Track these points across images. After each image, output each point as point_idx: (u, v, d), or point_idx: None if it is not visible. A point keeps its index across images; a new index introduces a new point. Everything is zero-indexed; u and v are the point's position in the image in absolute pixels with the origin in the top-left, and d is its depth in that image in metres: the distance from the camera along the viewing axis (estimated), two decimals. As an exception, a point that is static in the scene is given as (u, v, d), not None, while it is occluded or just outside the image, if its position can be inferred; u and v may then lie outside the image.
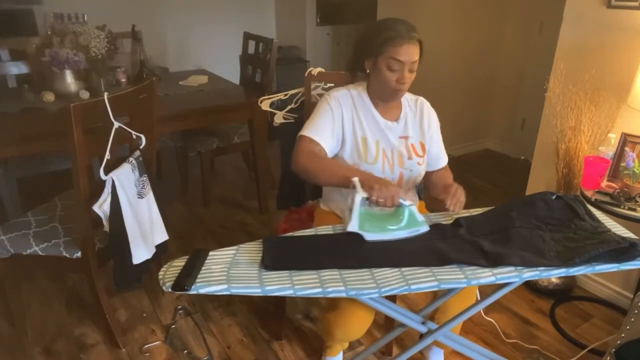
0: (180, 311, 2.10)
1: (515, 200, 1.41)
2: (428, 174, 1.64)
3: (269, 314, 2.09)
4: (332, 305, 1.46)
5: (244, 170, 3.56)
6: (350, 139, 1.53)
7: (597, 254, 1.15)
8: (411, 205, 1.27)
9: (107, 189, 1.59)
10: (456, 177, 1.59)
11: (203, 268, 1.14)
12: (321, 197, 1.73)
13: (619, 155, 1.89)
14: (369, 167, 1.53)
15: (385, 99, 1.53)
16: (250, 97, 2.69)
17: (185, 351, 1.88)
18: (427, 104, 1.64)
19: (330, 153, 1.52)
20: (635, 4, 1.87)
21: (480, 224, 1.33)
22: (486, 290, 1.38)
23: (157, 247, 1.83)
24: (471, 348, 1.49)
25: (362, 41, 1.49)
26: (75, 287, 2.25)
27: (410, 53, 1.40)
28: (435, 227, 1.32)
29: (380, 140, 1.54)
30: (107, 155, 1.60)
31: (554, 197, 1.39)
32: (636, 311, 1.28)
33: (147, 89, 1.80)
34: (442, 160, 1.65)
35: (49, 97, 2.46)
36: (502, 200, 1.45)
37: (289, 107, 2.00)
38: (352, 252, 1.21)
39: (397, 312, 1.35)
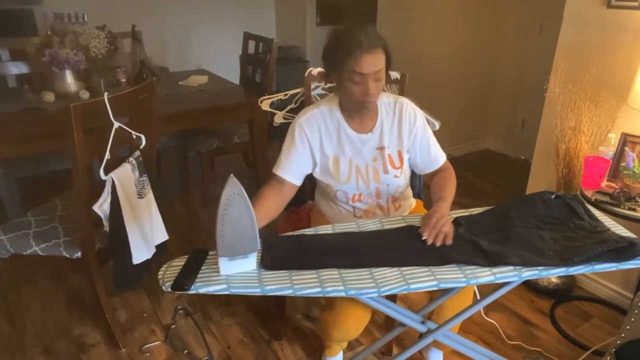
0: (180, 311, 2.10)
1: (514, 200, 1.41)
2: (427, 176, 1.59)
3: (269, 314, 2.09)
4: (329, 305, 1.46)
5: (244, 170, 3.56)
6: (320, 160, 1.51)
7: (596, 254, 1.15)
8: None
9: (107, 189, 1.59)
10: (457, 177, 1.57)
11: (202, 268, 1.14)
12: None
13: (619, 155, 1.89)
14: (343, 187, 1.51)
15: (356, 110, 1.46)
16: (250, 97, 2.69)
17: (185, 351, 1.88)
18: (408, 105, 1.52)
19: (300, 182, 1.51)
20: (635, 4, 1.86)
21: (479, 224, 1.33)
22: (486, 290, 1.38)
23: (157, 247, 1.83)
24: (471, 348, 1.49)
25: (325, 55, 1.40)
26: (75, 287, 2.25)
27: (371, 63, 1.31)
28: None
29: (353, 157, 1.50)
30: (107, 155, 1.60)
31: (553, 196, 1.39)
32: (636, 311, 1.28)
33: (147, 89, 1.80)
34: (438, 159, 1.55)
35: (49, 97, 2.46)
36: (502, 200, 1.44)
37: (289, 107, 2.00)
38: (351, 252, 1.21)
39: (396, 312, 1.35)
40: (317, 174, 1.53)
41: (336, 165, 1.50)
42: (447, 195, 1.41)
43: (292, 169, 1.48)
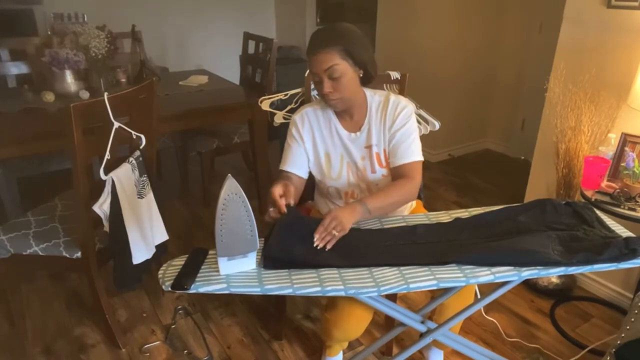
0: (180, 311, 2.10)
1: (523, 205, 1.40)
2: (392, 173, 1.51)
3: (269, 314, 2.09)
4: (330, 305, 1.46)
5: (244, 170, 3.56)
6: (312, 156, 1.55)
7: (596, 260, 1.15)
8: None
9: (107, 189, 1.59)
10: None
11: (202, 267, 1.14)
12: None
13: (619, 155, 1.89)
14: (334, 183, 1.54)
15: (333, 109, 1.50)
16: (250, 97, 2.69)
17: (185, 351, 1.88)
18: (394, 102, 1.48)
19: (305, 174, 1.55)
20: (635, 4, 1.86)
21: (485, 226, 1.32)
22: (486, 290, 1.38)
23: (157, 247, 1.83)
24: (471, 347, 1.49)
25: None
26: (75, 287, 2.25)
27: (319, 62, 1.35)
28: (435, 228, 1.32)
29: (344, 154, 1.54)
30: (107, 155, 1.60)
31: (563, 202, 1.39)
32: (636, 311, 1.28)
33: (147, 89, 1.80)
34: (407, 156, 1.45)
35: (49, 97, 2.46)
36: (502, 200, 1.44)
37: (289, 107, 2.00)
38: (351, 251, 1.21)
39: (396, 311, 1.35)
40: (312, 169, 1.57)
41: (328, 161, 1.54)
42: (370, 201, 1.32)
43: (294, 163, 1.53)
